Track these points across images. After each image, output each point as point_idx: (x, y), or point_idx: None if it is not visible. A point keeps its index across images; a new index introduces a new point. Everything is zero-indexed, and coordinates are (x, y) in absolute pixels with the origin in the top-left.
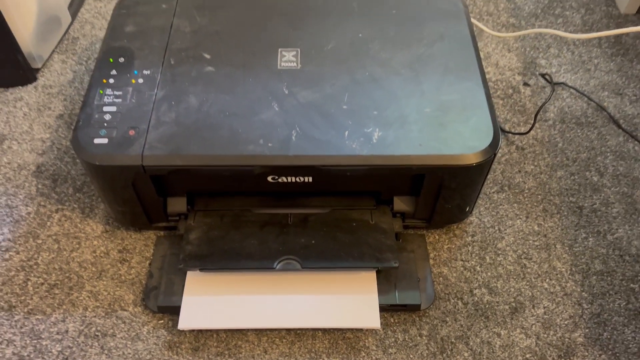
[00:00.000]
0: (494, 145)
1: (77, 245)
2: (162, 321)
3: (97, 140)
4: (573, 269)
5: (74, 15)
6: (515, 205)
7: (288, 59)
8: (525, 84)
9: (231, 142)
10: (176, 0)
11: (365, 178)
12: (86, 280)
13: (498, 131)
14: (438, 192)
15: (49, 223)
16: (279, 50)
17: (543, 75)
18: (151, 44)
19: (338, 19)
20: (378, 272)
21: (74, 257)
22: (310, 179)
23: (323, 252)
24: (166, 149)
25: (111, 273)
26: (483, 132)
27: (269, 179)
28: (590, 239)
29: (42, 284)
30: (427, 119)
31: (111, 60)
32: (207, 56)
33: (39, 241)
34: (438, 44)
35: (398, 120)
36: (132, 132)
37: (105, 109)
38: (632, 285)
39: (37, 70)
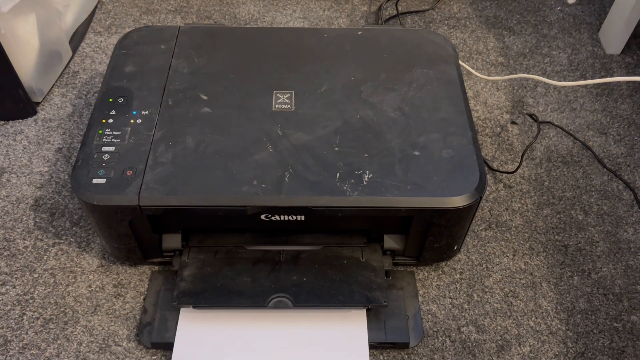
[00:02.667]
0: (480, 189)
1: (73, 280)
2: (155, 357)
3: (95, 180)
4: (558, 307)
5: (74, 49)
6: (502, 243)
7: (282, 101)
8: (513, 123)
9: (226, 183)
10: (175, 41)
11: (355, 217)
12: (81, 315)
13: (484, 175)
14: (427, 232)
15: (45, 257)
16: (274, 92)
17: (530, 115)
18: (150, 85)
19: (331, 62)
20: (368, 310)
21: (70, 292)
22: (303, 218)
23: (314, 290)
24: (162, 190)
25: (106, 308)
26: (470, 176)
27: (262, 217)
28: (575, 278)
29: (38, 318)
30: (415, 161)
31: (111, 100)
32: (204, 97)
33: (35, 275)
34: (427, 87)
35: (388, 163)
36: (129, 173)
37: (104, 149)
38: (615, 324)
39: (38, 103)
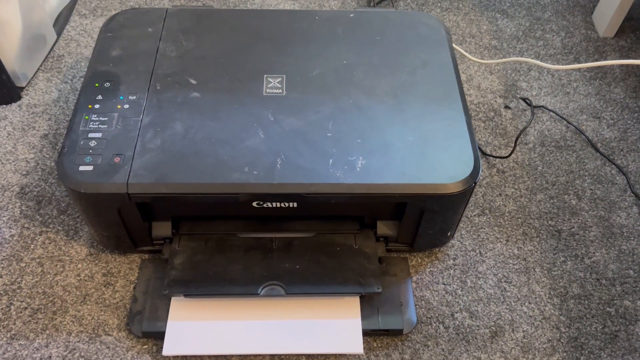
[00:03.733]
0: (474, 175)
1: (61, 269)
2: (146, 346)
3: (82, 168)
4: (551, 292)
5: (59, 32)
6: (495, 228)
7: (273, 85)
8: (507, 107)
9: (216, 170)
10: (162, 23)
11: (349, 204)
12: (70, 305)
13: (478, 160)
14: (420, 218)
15: (32, 246)
16: (265, 76)
17: (524, 99)
18: (137, 69)
19: (323, 45)
20: (361, 297)
21: (58, 281)
22: (295, 205)
23: (307, 278)
24: (151, 177)
25: (95, 297)
26: (464, 162)
27: (254, 204)
28: (569, 263)
29: (26, 308)
30: (409, 147)
31: (97, 85)
32: (193, 82)
33: (23, 264)
34: (420, 71)
35: (381, 149)
36: (117, 160)
37: (90, 135)
38: (608, 309)
39: (22, 88)
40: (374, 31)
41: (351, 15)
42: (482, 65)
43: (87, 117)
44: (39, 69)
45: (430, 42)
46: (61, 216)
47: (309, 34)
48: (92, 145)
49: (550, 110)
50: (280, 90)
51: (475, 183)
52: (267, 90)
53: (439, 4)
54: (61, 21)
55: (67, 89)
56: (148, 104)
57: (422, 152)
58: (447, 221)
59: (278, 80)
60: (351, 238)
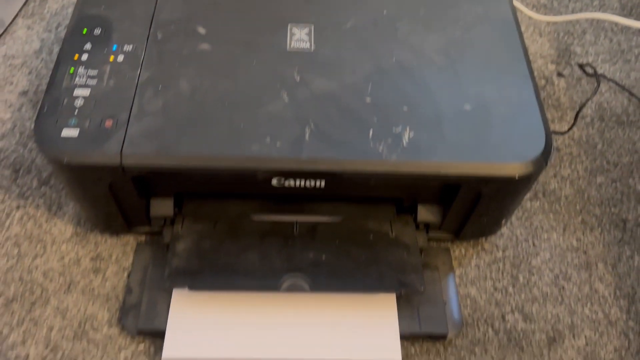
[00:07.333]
0: (546, 154)
1: (42, 251)
2: (142, 346)
3: (65, 132)
4: (617, 292)
5: None
6: (550, 215)
7: (299, 37)
8: (560, 75)
9: (231, 140)
10: None
11: (388, 185)
12: (52, 294)
13: (550, 137)
14: (474, 205)
15: (8, 223)
16: (289, 25)
17: (582, 66)
18: (134, 13)
19: None
20: (398, 295)
21: (38, 265)
22: (322, 184)
23: (335, 271)
24: (151, 146)
25: (82, 285)
26: (533, 138)
27: (273, 182)
28: (636, 258)
29: None
30: (466, 118)
31: (85, 31)
32: (202, 31)
33: None
34: (477, 27)
35: (433, 119)
36: (109, 123)
37: (76, 92)
38: None
39: None
40: None
41: None
42: (530, 25)
43: (72, 70)
44: (17, 14)
45: None
46: (42, 187)
47: None
48: (79, 104)
49: (609, 79)
50: (307, 44)
51: (547, 163)
52: (292, 44)
53: None
54: None
55: (51, 38)
56: (147, 56)
57: (482, 124)
58: (505, 208)
59: (305, 31)
60: (386, 225)
